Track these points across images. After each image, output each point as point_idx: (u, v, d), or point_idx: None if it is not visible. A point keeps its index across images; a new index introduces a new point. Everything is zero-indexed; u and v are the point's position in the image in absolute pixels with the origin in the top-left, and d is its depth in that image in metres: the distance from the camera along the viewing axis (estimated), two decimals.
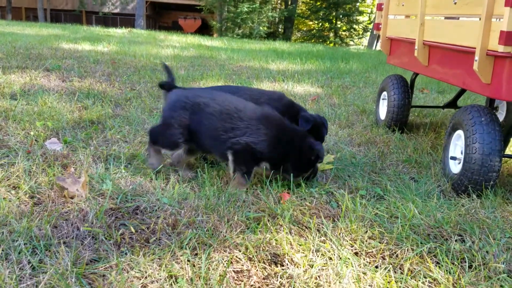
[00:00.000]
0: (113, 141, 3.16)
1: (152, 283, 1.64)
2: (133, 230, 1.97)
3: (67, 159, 2.72)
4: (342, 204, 2.30)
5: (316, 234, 2.03)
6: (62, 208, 2.11)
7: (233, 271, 1.77)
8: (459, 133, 2.80)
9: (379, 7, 4.17)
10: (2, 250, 1.73)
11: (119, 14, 33.04)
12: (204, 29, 30.26)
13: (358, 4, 30.14)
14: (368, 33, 28.14)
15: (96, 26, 19.55)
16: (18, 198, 2.16)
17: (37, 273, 1.63)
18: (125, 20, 31.24)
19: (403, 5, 3.74)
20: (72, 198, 2.21)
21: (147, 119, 3.76)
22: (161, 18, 35.42)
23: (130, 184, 2.45)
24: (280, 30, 31.69)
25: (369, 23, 29.60)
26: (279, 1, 31.90)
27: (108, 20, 31.48)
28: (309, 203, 2.37)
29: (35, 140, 2.99)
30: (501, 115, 3.68)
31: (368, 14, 31.17)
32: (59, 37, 9.77)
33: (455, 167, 2.82)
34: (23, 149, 2.79)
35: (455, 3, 2.86)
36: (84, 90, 4.56)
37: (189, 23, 32.57)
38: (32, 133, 3.10)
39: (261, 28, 26.60)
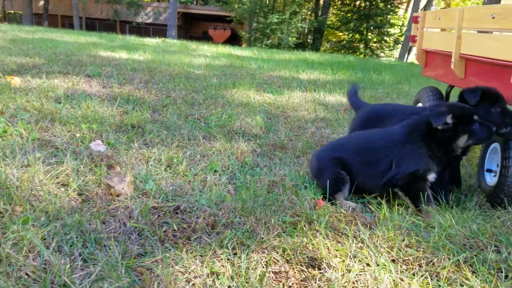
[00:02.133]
0: (152, 145, 3.29)
1: (195, 278, 1.72)
2: (175, 227, 2.06)
3: (111, 160, 2.85)
4: (379, 213, 2.34)
5: (353, 241, 2.07)
6: (109, 205, 2.23)
7: (272, 271, 1.83)
8: (495, 146, 2.79)
9: (415, 20, 4.20)
10: (56, 242, 1.85)
11: (151, 24, 33.84)
12: (233, 40, 30.66)
13: (389, 16, 29.99)
14: (399, 45, 27.91)
15: (130, 35, 20.10)
16: (67, 195, 2.29)
17: (88, 265, 1.74)
18: (158, 30, 31.96)
19: (439, 18, 3.75)
20: (118, 196, 2.33)
21: (183, 124, 3.88)
22: (192, 28, 36.06)
23: (170, 185, 2.55)
24: (309, 40, 31.81)
25: (400, 35, 29.37)
26: (309, 12, 32.05)
27: (141, 30, 32.26)
28: (345, 210, 2.42)
29: (81, 142, 3.14)
30: None
31: (399, 27, 30.95)
32: (97, 45, 10.11)
33: (491, 180, 2.81)
34: (70, 150, 2.94)
35: (493, 18, 2.87)
36: (124, 96, 4.73)
37: (219, 34, 33.07)
38: (77, 135, 3.26)
39: (290, 38, 26.77)
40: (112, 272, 1.66)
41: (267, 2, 28.10)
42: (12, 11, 39.14)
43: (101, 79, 5.62)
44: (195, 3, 38.39)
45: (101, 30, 27.69)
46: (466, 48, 3.22)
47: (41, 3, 33.41)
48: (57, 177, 2.49)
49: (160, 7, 33.34)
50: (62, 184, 2.44)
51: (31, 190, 2.26)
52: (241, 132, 3.90)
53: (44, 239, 1.87)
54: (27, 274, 1.62)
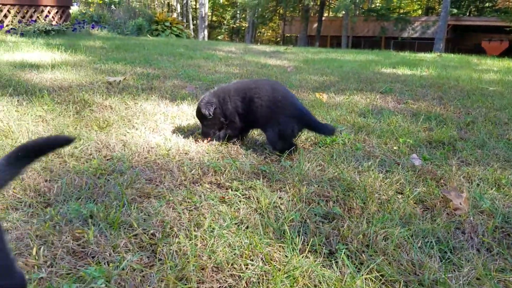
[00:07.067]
0: (467, 163, 3.27)
1: None
2: None
3: (435, 174, 2.97)
4: None
5: None
6: (450, 218, 2.34)
7: None
8: None
9: None
10: (418, 243, 2.06)
11: (417, 39, 33.29)
12: (511, 52, 27.19)
13: None
14: None
15: (393, 50, 20.22)
16: (407, 202, 2.51)
17: (457, 268, 1.88)
18: (423, 44, 31.20)
19: None
20: (455, 210, 2.42)
21: (495, 144, 3.71)
22: (462, 40, 33.72)
23: (507, 207, 2.49)
24: None
25: None
26: None
27: (405, 45, 32.07)
28: None
29: (401, 154, 3.38)
30: None
31: None
32: (376, 63, 10.59)
33: None
34: (391, 161, 3.21)
35: None
36: (422, 112, 4.84)
37: (494, 46, 29.98)
38: (395, 147, 3.53)
39: None
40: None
41: None
42: (289, 34, 44.81)
43: (394, 95, 5.88)
44: (468, 14, 35.77)
45: (366, 47, 28.76)
46: None
47: (315, 25, 37.10)
48: (390, 185, 2.76)
49: (429, 21, 32.47)
50: (397, 192, 2.69)
51: (376, 193, 2.58)
52: None
53: (409, 238, 2.11)
54: (401, 264, 1.88)
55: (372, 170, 2.96)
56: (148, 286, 1.63)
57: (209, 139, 3.49)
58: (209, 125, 3.48)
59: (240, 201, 2.44)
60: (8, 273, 1.33)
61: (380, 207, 2.42)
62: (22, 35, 11.49)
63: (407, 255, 1.93)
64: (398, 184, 2.77)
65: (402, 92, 6.15)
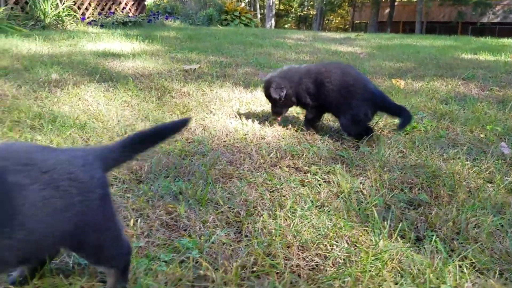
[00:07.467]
0: None
1: None
2: None
3: None
4: None
5: None
6: None
7: None
8: None
9: None
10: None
11: (498, 24, 31.04)
12: None
13: None
14: None
15: (471, 36, 18.98)
16: (497, 191, 2.37)
17: None
18: (505, 29, 29.00)
19: None
20: None
21: None
22: None
23: None
24: None
25: None
26: None
27: (485, 30, 29.99)
28: None
29: (489, 142, 3.20)
30: None
31: None
32: (455, 48, 10.04)
33: None
34: (478, 149, 3.05)
35: None
36: (509, 99, 4.53)
37: None
38: (482, 135, 3.34)
39: None
40: None
41: None
42: (359, 21, 43.64)
43: (477, 81, 5.55)
44: None
45: (441, 33, 27.32)
46: None
47: (386, 11, 35.78)
48: (479, 173, 2.62)
49: None
50: (486, 180, 2.55)
51: (464, 182, 2.46)
52: None
53: (502, 226, 2.01)
54: (495, 253, 1.79)
55: (459, 157, 2.83)
56: (238, 259, 1.69)
57: (279, 119, 3.57)
58: (280, 106, 3.51)
59: (320, 185, 2.45)
60: (118, 243, 1.44)
61: (469, 195, 2.32)
62: (102, 26, 12.14)
63: (501, 243, 1.84)
64: (487, 172, 2.63)
65: (485, 78, 5.79)
